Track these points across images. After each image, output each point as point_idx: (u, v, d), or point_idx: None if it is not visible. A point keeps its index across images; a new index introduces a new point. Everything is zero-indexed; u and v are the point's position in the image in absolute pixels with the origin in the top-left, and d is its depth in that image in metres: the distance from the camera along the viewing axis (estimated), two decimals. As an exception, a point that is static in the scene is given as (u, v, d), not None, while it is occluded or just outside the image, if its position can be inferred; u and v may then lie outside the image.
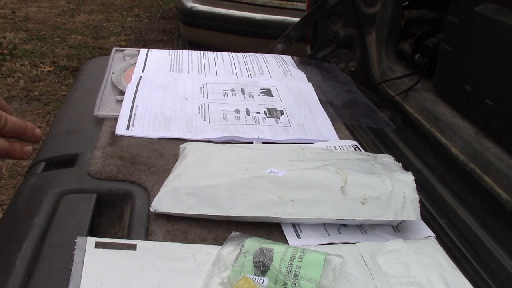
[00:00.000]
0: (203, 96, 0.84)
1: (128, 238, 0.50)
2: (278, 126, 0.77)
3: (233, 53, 1.08)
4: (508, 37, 0.74)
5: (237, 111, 0.80)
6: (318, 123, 0.81)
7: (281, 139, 0.74)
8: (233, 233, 0.50)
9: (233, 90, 0.88)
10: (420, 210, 0.55)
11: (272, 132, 0.75)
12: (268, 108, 0.82)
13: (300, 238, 0.54)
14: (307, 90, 0.94)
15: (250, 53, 1.10)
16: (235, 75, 0.96)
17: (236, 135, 0.73)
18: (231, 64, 1.01)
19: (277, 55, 1.13)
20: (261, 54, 1.11)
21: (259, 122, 0.78)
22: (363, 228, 0.56)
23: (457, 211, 0.67)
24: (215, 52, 1.07)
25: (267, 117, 0.80)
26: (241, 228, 0.54)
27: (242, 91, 0.88)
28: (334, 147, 0.74)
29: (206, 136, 0.72)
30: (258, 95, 0.87)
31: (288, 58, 1.11)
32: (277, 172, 0.59)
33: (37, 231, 0.49)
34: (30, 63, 3.29)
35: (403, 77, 1.08)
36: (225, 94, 0.86)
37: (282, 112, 0.82)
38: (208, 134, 0.73)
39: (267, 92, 0.89)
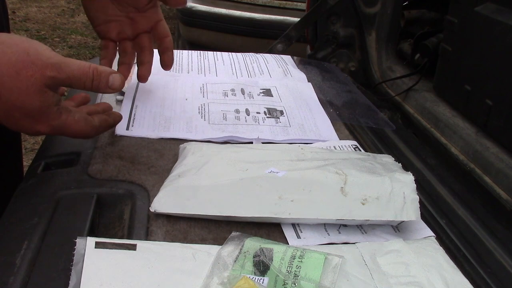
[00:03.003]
0: (203, 96, 0.84)
1: (128, 238, 0.50)
2: (277, 126, 0.77)
3: (233, 53, 1.08)
4: (508, 37, 0.74)
5: (237, 111, 0.80)
6: (318, 123, 0.81)
7: (280, 139, 0.74)
8: (233, 233, 0.50)
9: (233, 90, 0.88)
10: (420, 210, 0.55)
11: (272, 132, 0.75)
12: (268, 108, 0.82)
13: (300, 238, 0.54)
14: (307, 90, 0.94)
15: (250, 53, 1.10)
16: (235, 75, 0.96)
17: (236, 135, 0.73)
18: (231, 64, 1.01)
19: (277, 55, 1.13)
20: (261, 54, 1.11)
21: (258, 122, 0.78)
22: (363, 228, 0.56)
23: (457, 211, 0.67)
24: (215, 52, 1.07)
25: (267, 117, 0.80)
26: (241, 228, 0.54)
27: (242, 91, 0.88)
28: (334, 147, 0.74)
29: (206, 136, 0.72)
30: (258, 95, 0.87)
31: (288, 58, 1.11)
32: (277, 172, 0.59)
33: (37, 231, 0.49)
34: (30, 63, 3.28)
35: (403, 77, 1.08)
36: (225, 94, 0.86)
37: (282, 112, 0.82)
38: (208, 134, 0.73)
39: (267, 92, 0.89)
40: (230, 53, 1.08)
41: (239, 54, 1.08)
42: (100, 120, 0.62)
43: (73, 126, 0.57)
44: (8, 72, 0.49)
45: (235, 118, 0.78)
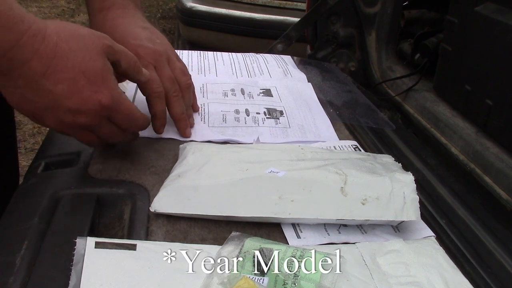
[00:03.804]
0: (203, 96, 0.84)
1: (128, 238, 0.50)
2: (277, 127, 0.77)
3: (233, 53, 1.08)
4: (508, 37, 0.74)
5: (237, 111, 0.80)
6: (318, 123, 0.81)
7: (280, 141, 0.74)
8: (233, 233, 0.50)
9: (232, 90, 0.88)
10: (420, 210, 0.55)
11: (271, 134, 0.75)
12: (267, 109, 0.82)
13: (300, 238, 0.54)
14: (307, 90, 0.94)
15: (250, 53, 1.10)
16: (235, 75, 0.96)
17: (236, 139, 0.73)
18: (231, 64, 1.01)
19: (277, 55, 1.13)
20: (261, 54, 1.11)
21: (258, 124, 0.77)
22: (363, 228, 0.56)
23: (457, 211, 0.67)
24: (215, 52, 1.07)
25: (267, 117, 0.80)
26: (241, 228, 0.54)
27: (242, 91, 0.88)
28: (334, 147, 0.74)
29: (205, 138, 0.72)
30: (258, 95, 0.87)
31: (288, 58, 1.11)
32: (277, 172, 0.59)
33: (37, 231, 0.49)
34: (30, 63, 3.28)
35: (403, 77, 1.08)
36: (225, 94, 0.86)
37: (281, 113, 0.82)
38: (208, 137, 0.72)
39: (267, 92, 0.89)
40: (230, 53, 1.08)
41: (239, 54, 1.08)
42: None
43: (127, 101, 0.58)
44: (73, 36, 0.53)
45: (235, 120, 0.78)
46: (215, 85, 0.89)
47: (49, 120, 0.54)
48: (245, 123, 0.77)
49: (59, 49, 0.51)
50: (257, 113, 0.81)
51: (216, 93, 0.86)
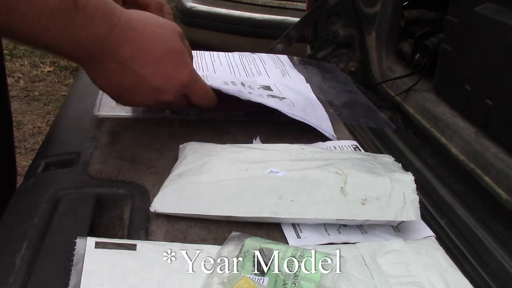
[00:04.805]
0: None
1: (128, 238, 0.50)
2: (282, 102, 0.77)
3: (229, 53, 1.07)
4: (508, 37, 0.74)
5: (239, 91, 0.80)
6: (318, 114, 0.80)
7: (285, 110, 0.73)
8: (233, 233, 0.50)
9: (233, 82, 0.87)
10: (420, 210, 0.55)
11: (276, 104, 0.75)
12: (269, 95, 0.82)
13: (300, 238, 0.54)
14: (305, 91, 0.93)
15: (247, 53, 1.08)
16: (233, 74, 0.96)
17: (241, 93, 0.73)
18: (229, 66, 1.01)
19: (273, 55, 1.11)
20: (257, 54, 1.10)
21: (263, 97, 0.77)
22: (363, 228, 0.56)
23: (457, 211, 0.67)
24: (211, 52, 1.06)
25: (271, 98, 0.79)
26: (241, 228, 0.54)
27: (242, 84, 0.87)
28: (334, 147, 0.74)
29: (213, 83, 0.73)
30: (258, 88, 0.87)
31: (284, 58, 1.09)
32: (277, 172, 0.59)
33: (37, 231, 0.49)
34: (30, 63, 3.29)
35: (403, 77, 1.08)
36: (226, 84, 0.85)
37: (284, 99, 0.81)
38: (212, 82, 0.74)
39: (267, 88, 0.89)
40: (226, 53, 1.07)
41: (235, 54, 1.06)
42: None
43: (201, 80, 0.65)
44: (155, 23, 0.60)
45: (238, 91, 0.77)
46: (214, 78, 0.88)
47: (136, 99, 0.62)
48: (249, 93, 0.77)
49: (146, 35, 0.57)
50: (259, 95, 0.80)
51: (216, 82, 0.85)
